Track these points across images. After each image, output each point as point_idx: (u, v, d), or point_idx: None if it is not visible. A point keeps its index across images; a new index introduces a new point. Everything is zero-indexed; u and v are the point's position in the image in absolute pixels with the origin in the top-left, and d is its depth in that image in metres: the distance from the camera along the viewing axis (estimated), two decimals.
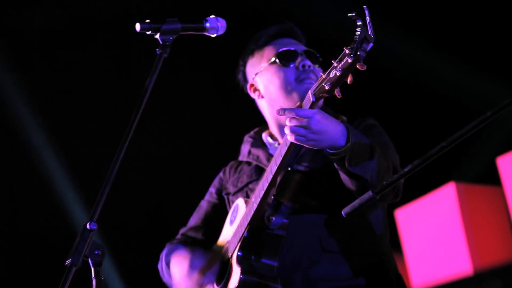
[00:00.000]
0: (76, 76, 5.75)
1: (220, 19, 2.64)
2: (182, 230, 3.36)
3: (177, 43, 2.54)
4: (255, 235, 2.86)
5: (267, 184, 2.80)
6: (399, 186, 2.85)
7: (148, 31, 2.53)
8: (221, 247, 3.08)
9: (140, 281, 5.52)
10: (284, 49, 3.13)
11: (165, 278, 3.25)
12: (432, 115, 5.49)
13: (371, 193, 2.25)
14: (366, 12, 2.34)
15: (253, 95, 3.23)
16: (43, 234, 5.66)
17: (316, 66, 3.10)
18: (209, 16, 2.65)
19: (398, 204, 5.38)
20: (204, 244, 3.22)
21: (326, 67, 2.52)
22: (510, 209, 4.87)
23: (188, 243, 3.25)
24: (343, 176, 2.76)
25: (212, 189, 3.34)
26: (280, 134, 3.15)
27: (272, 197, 2.86)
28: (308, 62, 3.07)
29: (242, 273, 2.81)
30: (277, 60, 3.10)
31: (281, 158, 2.73)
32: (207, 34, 2.65)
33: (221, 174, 3.35)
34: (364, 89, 4.27)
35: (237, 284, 2.80)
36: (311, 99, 2.59)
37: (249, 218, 2.87)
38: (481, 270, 4.96)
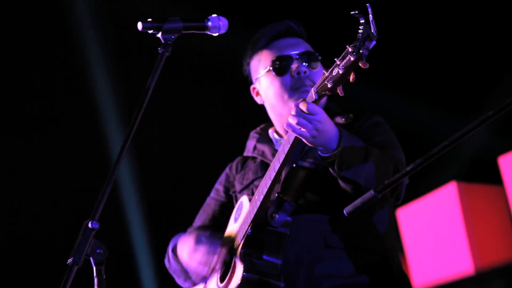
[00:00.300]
0: (75, 75, 5.75)
1: (222, 18, 2.64)
2: (189, 230, 3.34)
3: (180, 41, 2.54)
4: (258, 232, 2.87)
5: (270, 182, 2.81)
6: (400, 190, 2.85)
7: (150, 30, 2.53)
8: (229, 237, 3.07)
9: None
10: (278, 55, 3.10)
11: (172, 268, 3.24)
12: None
13: (373, 192, 2.25)
14: (369, 9, 2.34)
15: (256, 99, 3.24)
16: (44, 233, 5.66)
17: (314, 68, 3.07)
18: (211, 15, 2.64)
19: (400, 204, 5.38)
20: None
21: (328, 64, 2.52)
22: (511, 209, 4.87)
23: None
24: (339, 180, 2.78)
25: (219, 186, 3.34)
26: (285, 133, 3.15)
27: (276, 195, 2.87)
28: (303, 68, 3.05)
29: (245, 270, 2.81)
30: (272, 69, 3.11)
31: (284, 155, 2.74)
32: (209, 33, 2.65)
33: (227, 170, 3.35)
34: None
35: (239, 282, 2.81)
36: (314, 97, 2.60)
37: (252, 216, 2.88)
38: (482, 269, 4.95)
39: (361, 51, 2.37)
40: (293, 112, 2.61)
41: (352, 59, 2.40)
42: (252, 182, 3.16)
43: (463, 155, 5.36)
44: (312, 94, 2.60)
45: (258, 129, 3.32)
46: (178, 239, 3.21)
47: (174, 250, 3.21)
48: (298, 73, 3.04)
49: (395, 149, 2.94)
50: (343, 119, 3.04)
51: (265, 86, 3.14)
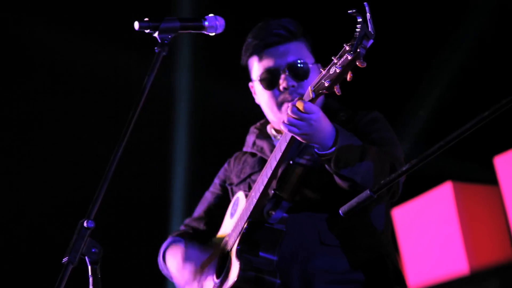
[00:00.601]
0: (73, 74, 5.74)
1: (218, 17, 2.64)
2: (186, 221, 3.39)
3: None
4: (254, 229, 2.88)
5: (267, 180, 2.82)
6: (397, 186, 2.86)
7: (146, 29, 2.53)
8: (221, 240, 3.09)
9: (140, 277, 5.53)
10: (266, 68, 3.08)
11: (164, 272, 3.28)
12: None
13: (369, 192, 2.25)
14: (367, 8, 2.34)
15: (254, 96, 3.24)
16: (40, 232, 5.65)
17: (304, 78, 3.04)
18: (208, 14, 2.64)
19: (395, 203, 5.39)
20: (205, 235, 3.25)
21: (326, 62, 2.52)
22: (506, 208, 4.87)
23: (190, 234, 3.29)
24: (335, 177, 2.77)
25: (216, 180, 3.37)
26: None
27: (272, 191, 2.87)
28: (291, 82, 3.04)
29: (241, 267, 2.82)
30: (260, 82, 3.11)
31: (281, 153, 2.76)
32: (205, 32, 2.65)
33: (226, 165, 3.37)
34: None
35: (236, 278, 2.81)
36: (311, 96, 2.60)
37: (248, 213, 2.89)
38: (477, 269, 4.96)
39: (358, 50, 2.38)
40: (289, 112, 2.62)
41: (349, 58, 2.40)
42: (249, 176, 3.17)
43: (459, 155, 5.36)
44: (309, 92, 2.61)
45: (258, 124, 3.33)
46: (169, 246, 3.23)
47: (164, 257, 3.24)
48: (286, 88, 3.04)
49: (393, 146, 2.94)
50: (342, 115, 3.05)
51: (258, 93, 3.17)
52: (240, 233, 2.91)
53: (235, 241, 2.93)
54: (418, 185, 5.34)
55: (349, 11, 2.34)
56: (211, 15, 2.64)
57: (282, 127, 2.66)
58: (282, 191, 2.87)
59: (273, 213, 2.86)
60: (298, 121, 2.61)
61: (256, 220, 2.88)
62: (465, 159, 5.25)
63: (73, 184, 5.62)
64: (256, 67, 3.13)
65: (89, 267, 2.28)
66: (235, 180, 3.24)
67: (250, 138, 3.29)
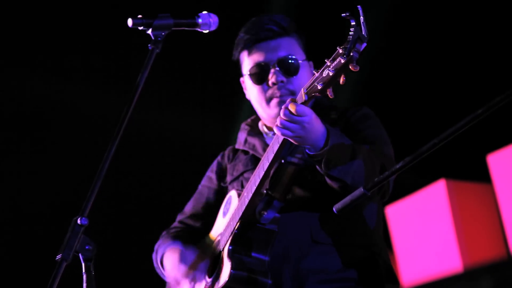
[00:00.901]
0: (70, 73, 5.73)
1: (212, 15, 2.64)
2: (180, 217, 3.37)
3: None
4: (246, 229, 2.88)
5: (259, 180, 2.82)
6: (387, 185, 2.86)
7: (140, 26, 2.53)
8: (213, 240, 3.09)
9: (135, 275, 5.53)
10: (256, 63, 3.08)
11: (158, 270, 3.27)
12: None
13: (362, 189, 2.26)
14: (360, 11, 2.34)
15: (245, 91, 3.24)
16: (33, 229, 5.64)
17: (294, 74, 3.05)
18: (201, 11, 2.64)
19: (389, 201, 5.39)
20: (200, 234, 3.23)
21: (319, 63, 2.52)
22: (500, 206, 4.88)
23: (185, 233, 3.28)
24: (326, 178, 2.78)
25: (211, 174, 3.34)
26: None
27: (265, 191, 2.87)
28: (280, 77, 3.04)
29: (232, 267, 2.82)
30: (250, 77, 3.11)
31: (273, 155, 2.75)
32: (199, 30, 2.65)
33: (219, 158, 3.35)
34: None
35: (227, 279, 2.81)
36: (304, 98, 2.60)
37: (240, 213, 2.88)
38: (471, 267, 4.97)
39: (351, 54, 2.37)
40: (281, 114, 2.62)
41: (342, 61, 2.40)
42: (242, 174, 3.16)
43: (452, 153, 5.37)
44: (302, 94, 2.60)
45: (249, 120, 3.33)
46: (167, 247, 3.21)
47: (162, 257, 3.22)
48: (275, 83, 3.04)
49: (384, 144, 2.94)
50: (333, 114, 3.05)
51: (248, 88, 3.17)
52: (232, 233, 2.90)
53: (227, 241, 2.92)
54: (412, 183, 5.35)
55: (342, 14, 2.34)
56: (204, 12, 2.64)
57: (275, 130, 2.66)
58: (274, 191, 2.87)
59: (265, 213, 2.86)
60: (291, 124, 2.61)
61: (248, 220, 2.87)
62: (459, 157, 5.26)
63: (67, 181, 5.61)
64: (247, 61, 3.13)
65: (83, 264, 2.28)
66: (228, 177, 3.23)
67: (242, 135, 3.28)
